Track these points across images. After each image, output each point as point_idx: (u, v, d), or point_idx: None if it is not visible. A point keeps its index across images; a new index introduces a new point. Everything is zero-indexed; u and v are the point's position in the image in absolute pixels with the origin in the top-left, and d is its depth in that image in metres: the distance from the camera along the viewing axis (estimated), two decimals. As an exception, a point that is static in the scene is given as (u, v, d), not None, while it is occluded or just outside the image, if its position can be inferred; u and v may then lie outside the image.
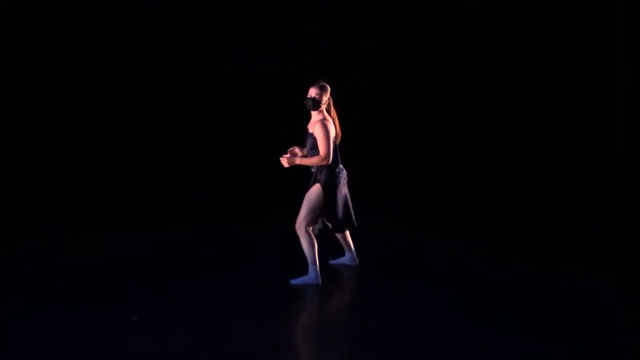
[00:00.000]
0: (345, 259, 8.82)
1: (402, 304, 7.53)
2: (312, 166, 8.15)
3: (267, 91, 15.72)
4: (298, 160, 8.11)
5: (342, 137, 8.29)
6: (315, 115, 8.13)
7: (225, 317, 7.09)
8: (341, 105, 8.38)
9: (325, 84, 8.15)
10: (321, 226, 8.25)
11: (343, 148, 8.37)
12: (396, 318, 7.05)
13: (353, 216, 8.35)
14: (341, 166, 8.24)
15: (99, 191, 13.95)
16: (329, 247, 8.81)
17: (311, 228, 8.12)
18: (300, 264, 8.36)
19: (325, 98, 8.12)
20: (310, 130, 8.13)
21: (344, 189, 8.22)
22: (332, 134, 8.09)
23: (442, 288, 8.04)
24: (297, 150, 8.23)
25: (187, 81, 15.87)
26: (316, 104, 8.07)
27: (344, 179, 8.23)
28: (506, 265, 9.04)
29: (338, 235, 8.65)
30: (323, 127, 8.02)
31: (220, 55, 15.91)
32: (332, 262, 8.87)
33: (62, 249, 9.79)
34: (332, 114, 8.21)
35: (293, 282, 8.08)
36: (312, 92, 8.09)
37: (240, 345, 6.37)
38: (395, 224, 11.53)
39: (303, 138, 8.26)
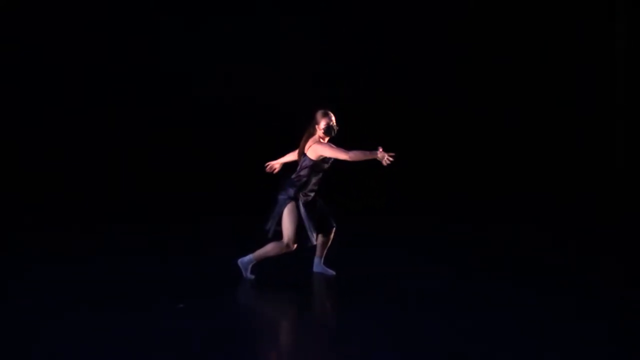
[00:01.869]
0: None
1: (402, 303, 7.53)
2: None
3: (267, 91, 15.72)
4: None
5: (337, 139, 8.38)
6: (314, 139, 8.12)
7: (225, 317, 7.09)
8: (341, 105, 8.39)
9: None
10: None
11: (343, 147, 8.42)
12: (396, 318, 7.05)
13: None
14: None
15: (99, 191, 13.97)
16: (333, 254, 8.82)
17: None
18: (300, 263, 8.38)
19: None
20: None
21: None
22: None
23: (442, 288, 8.04)
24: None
25: (188, 81, 15.87)
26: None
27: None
28: (505, 265, 9.04)
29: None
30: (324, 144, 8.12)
31: (220, 55, 15.92)
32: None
33: (62, 248, 9.80)
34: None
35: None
36: (334, 120, 8.06)
37: (241, 345, 6.38)
38: (396, 224, 11.53)
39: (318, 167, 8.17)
